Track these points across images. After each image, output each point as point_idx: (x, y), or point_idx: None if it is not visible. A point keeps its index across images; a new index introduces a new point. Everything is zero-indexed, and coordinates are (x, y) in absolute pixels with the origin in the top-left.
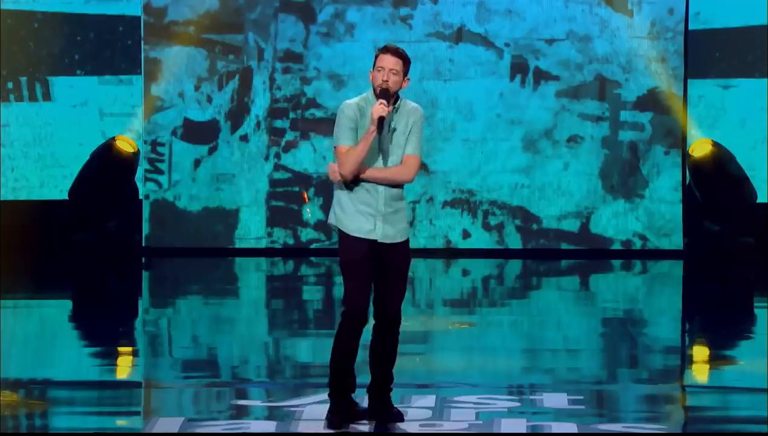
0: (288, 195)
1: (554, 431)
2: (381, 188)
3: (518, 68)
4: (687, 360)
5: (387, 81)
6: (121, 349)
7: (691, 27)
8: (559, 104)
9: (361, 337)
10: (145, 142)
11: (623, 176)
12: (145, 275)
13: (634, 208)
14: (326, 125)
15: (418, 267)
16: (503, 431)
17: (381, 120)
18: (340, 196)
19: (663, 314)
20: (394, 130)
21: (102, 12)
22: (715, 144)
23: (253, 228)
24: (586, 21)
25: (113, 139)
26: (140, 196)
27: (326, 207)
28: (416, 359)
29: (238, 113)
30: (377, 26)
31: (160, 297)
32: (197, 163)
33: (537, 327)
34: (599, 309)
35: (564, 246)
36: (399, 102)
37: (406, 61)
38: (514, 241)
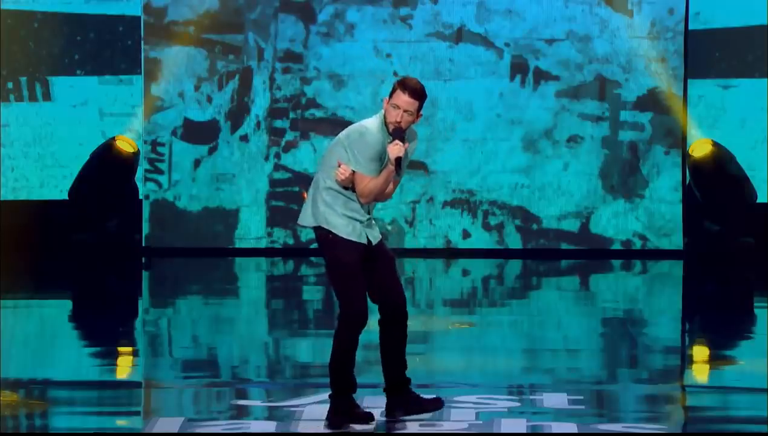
0: (288, 195)
1: (554, 431)
2: None
3: (518, 68)
4: (687, 360)
5: (400, 122)
6: (121, 349)
7: (691, 27)
8: (559, 104)
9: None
10: (145, 142)
11: (623, 176)
12: (145, 275)
13: (634, 208)
14: (326, 125)
15: (418, 267)
16: (503, 431)
17: (399, 160)
18: (333, 201)
19: (663, 314)
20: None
21: (102, 12)
22: (715, 144)
23: (253, 228)
24: (586, 21)
25: (113, 139)
26: (140, 196)
27: None
28: (416, 359)
29: (238, 113)
30: (377, 26)
31: (160, 297)
32: (197, 163)
33: (537, 327)
34: (599, 309)
35: (564, 246)
36: (407, 132)
37: (422, 101)
38: (514, 241)
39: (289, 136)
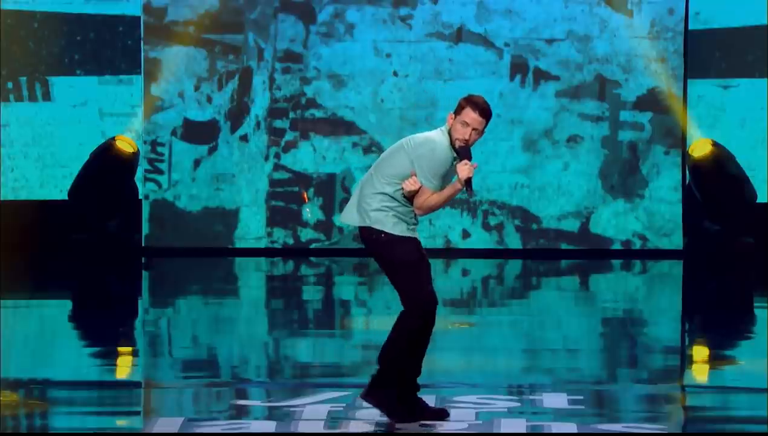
0: (288, 195)
1: (554, 431)
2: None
3: (518, 68)
4: (687, 360)
5: (468, 139)
6: (121, 349)
7: (691, 27)
8: (559, 104)
9: None
10: (145, 142)
11: (623, 176)
12: (145, 275)
13: (633, 208)
14: (326, 125)
15: None
16: (503, 431)
17: (469, 180)
18: (385, 205)
19: (663, 314)
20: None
21: (102, 12)
22: (715, 144)
23: (253, 228)
24: (586, 21)
25: (113, 139)
26: (140, 196)
27: (326, 207)
28: None
29: (238, 113)
30: (377, 26)
31: (160, 297)
32: (197, 163)
33: (537, 327)
34: (599, 309)
35: (564, 246)
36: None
37: (489, 119)
38: (514, 241)
39: (289, 136)
